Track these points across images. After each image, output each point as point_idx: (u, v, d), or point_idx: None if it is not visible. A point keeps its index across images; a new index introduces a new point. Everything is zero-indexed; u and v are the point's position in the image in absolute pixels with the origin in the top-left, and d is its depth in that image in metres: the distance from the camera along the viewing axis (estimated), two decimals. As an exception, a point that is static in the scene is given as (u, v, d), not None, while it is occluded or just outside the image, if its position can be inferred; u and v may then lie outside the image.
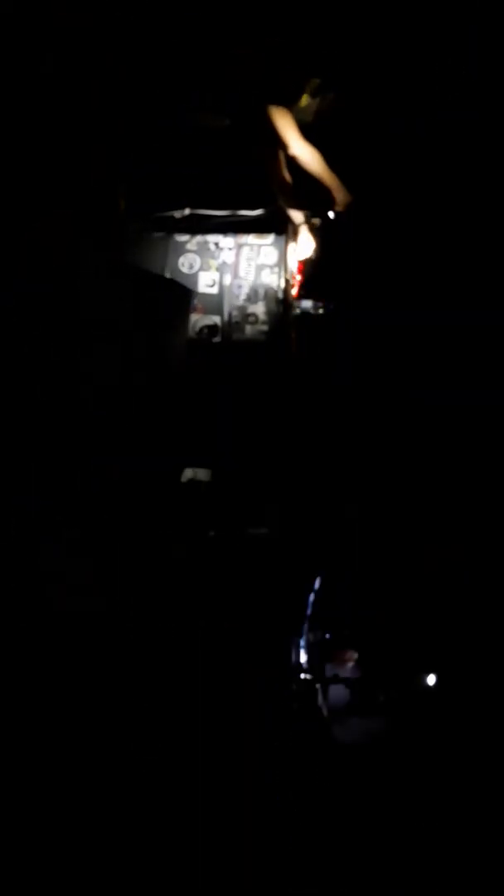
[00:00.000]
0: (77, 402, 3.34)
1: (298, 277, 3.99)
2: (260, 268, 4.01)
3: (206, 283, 4.02)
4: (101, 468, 3.27)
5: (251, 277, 4.01)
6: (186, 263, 4.03)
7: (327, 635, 3.78)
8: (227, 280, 4.01)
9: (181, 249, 4.05)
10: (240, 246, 4.03)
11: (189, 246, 4.04)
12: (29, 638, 2.79)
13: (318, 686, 3.62)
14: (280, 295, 3.97)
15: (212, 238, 4.04)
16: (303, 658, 3.72)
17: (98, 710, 2.86)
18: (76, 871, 2.52)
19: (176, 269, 4.02)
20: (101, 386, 3.38)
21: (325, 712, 3.52)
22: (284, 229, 3.97)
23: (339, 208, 3.77)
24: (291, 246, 3.98)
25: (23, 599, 2.83)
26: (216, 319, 3.99)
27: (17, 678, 2.73)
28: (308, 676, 3.65)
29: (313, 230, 3.93)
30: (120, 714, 2.90)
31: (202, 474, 3.72)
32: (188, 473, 3.70)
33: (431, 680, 3.58)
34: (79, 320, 3.42)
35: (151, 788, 2.80)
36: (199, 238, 4.04)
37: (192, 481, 3.69)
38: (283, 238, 4.00)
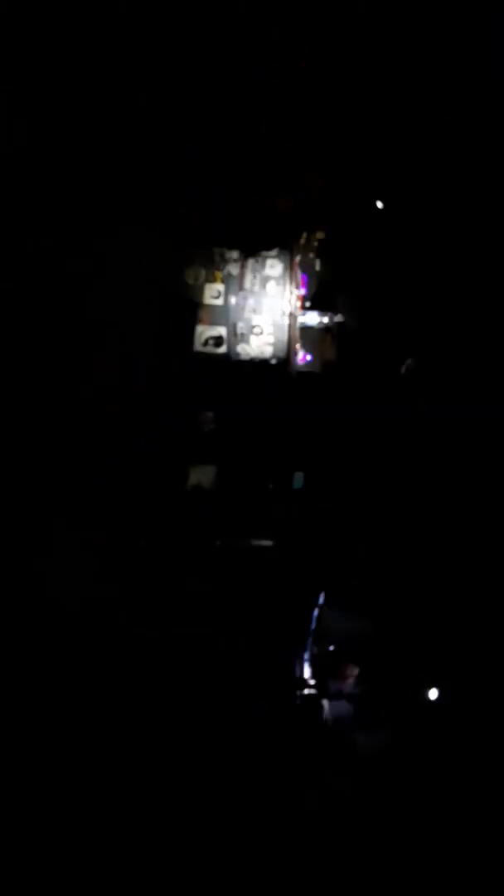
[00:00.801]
0: (83, 404, 3.35)
1: (303, 290, 4.01)
2: (265, 279, 4.02)
3: (212, 294, 4.02)
4: (104, 469, 3.27)
5: (256, 289, 4.02)
6: (192, 275, 4.03)
7: (331, 647, 3.75)
8: (233, 292, 4.02)
9: (187, 261, 4.04)
10: (245, 258, 4.03)
11: (195, 257, 4.04)
12: (32, 634, 2.77)
13: (322, 701, 3.59)
14: (285, 307, 3.98)
15: (217, 250, 4.04)
16: (306, 672, 3.69)
17: (97, 711, 2.84)
18: (75, 856, 2.49)
19: (182, 281, 4.02)
20: (105, 387, 3.40)
21: (330, 726, 3.49)
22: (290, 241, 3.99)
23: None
24: (297, 258, 3.99)
25: (27, 597, 2.81)
26: (221, 331, 3.99)
27: (19, 675, 2.70)
28: (312, 691, 3.62)
29: (317, 245, 3.97)
30: (120, 716, 2.88)
31: (206, 480, 3.70)
32: (193, 479, 3.68)
33: (433, 694, 3.57)
34: (87, 326, 3.43)
35: (151, 787, 2.79)
36: (205, 250, 4.04)
37: (196, 487, 3.67)
38: (288, 250, 4.01)
